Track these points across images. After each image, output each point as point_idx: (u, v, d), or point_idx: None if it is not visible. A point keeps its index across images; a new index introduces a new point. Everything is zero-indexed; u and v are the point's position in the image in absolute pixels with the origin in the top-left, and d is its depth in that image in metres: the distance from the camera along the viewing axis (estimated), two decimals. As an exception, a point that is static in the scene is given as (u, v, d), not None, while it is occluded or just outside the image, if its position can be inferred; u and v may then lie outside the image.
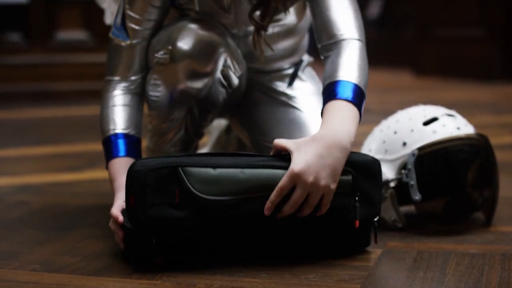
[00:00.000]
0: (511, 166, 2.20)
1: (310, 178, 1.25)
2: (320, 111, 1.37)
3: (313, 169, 1.25)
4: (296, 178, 1.25)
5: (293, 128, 1.66)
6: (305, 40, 1.74)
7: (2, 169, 2.44)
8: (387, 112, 1.74)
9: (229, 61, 1.55)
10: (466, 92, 4.93)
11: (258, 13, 1.47)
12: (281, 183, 1.26)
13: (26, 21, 4.67)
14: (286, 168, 1.27)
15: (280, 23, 1.59)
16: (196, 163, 1.27)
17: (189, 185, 1.26)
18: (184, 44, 1.47)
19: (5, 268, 1.34)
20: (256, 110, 1.71)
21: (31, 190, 2.07)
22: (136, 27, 1.51)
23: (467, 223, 1.58)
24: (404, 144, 1.54)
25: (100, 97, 1.55)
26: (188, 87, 1.51)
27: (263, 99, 1.71)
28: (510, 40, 5.49)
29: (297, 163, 1.25)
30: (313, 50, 1.59)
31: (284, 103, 1.70)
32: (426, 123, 1.56)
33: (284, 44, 1.65)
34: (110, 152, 1.47)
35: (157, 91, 1.51)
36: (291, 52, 1.69)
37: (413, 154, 1.51)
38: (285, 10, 1.51)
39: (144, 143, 1.60)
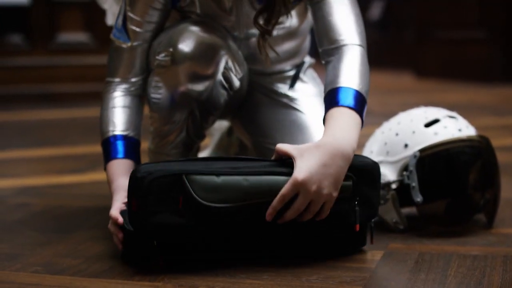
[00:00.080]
0: (512, 168, 2.20)
1: (313, 187, 1.25)
2: (322, 118, 1.37)
3: (317, 178, 1.25)
4: (299, 187, 1.25)
5: (295, 130, 1.66)
6: (307, 42, 1.74)
7: (3, 171, 2.44)
8: (389, 114, 1.74)
9: (230, 63, 1.55)
10: (467, 93, 4.93)
11: (262, 17, 1.47)
12: (284, 190, 1.26)
13: (27, 22, 4.67)
14: (288, 174, 1.27)
15: (282, 25, 1.59)
16: (200, 171, 1.26)
17: (193, 192, 1.25)
18: (185, 46, 1.47)
19: (6, 270, 1.34)
20: (258, 112, 1.71)
21: (33, 192, 2.07)
22: (137, 29, 1.51)
23: (468, 225, 1.58)
24: (406, 145, 1.54)
25: (101, 98, 1.55)
26: (189, 89, 1.51)
27: (265, 101, 1.71)
28: (511, 42, 5.49)
29: (301, 172, 1.25)
30: (314, 51, 1.59)
31: (285, 105, 1.70)
32: (428, 125, 1.56)
33: (286, 46, 1.65)
34: (108, 154, 1.47)
35: (158, 93, 1.51)
36: (293, 54, 1.69)
37: (414, 156, 1.51)
38: (287, 13, 1.52)
39: (145, 144, 1.60)
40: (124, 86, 1.53)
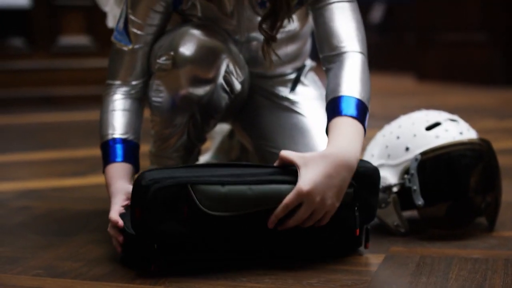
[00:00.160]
0: (513, 171, 2.20)
1: (317, 198, 1.26)
2: (325, 127, 1.37)
3: (321, 189, 1.26)
4: (304, 197, 1.26)
5: (296, 133, 1.66)
6: (308, 45, 1.74)
7: (4, 174, 2.45)
8: (390, 117, 1.74)
9: (231, 67, 1.55)
10: (468, 96, 4.93)
11: (267, 23, 1.47)
12: (288, 200, 1.26)
13: (28, 26, 4.67)
14: (291, 182, 1.27)
15: (284, 29, 1.59)
16: (206, 181, 1.26)
17: (198, 202, 1.25)
18: (186, 50, 1.47)
19: (8, 273, 1.34)
20: (259, 115, 1.71)
21: (34, 195, 2.07)
22: (138, 32, 1.51)
23: (469, 228, 1.58)
24: (407, 149, 1.54)
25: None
26: (190, 93, 1.51)
27: (266, 104, 1.71)
28: (512, 44, 5.49)
29: (305, 182, 1.25)
30: (315, 55, 1.59)
31: (286, 108, 1.70)
32: (429, 128, 1.56)
33: (287, 50, 1.65)
34: (107, 157, 1.47)
35: (159, 96, 1.52)
36: (294, 57, 1.70)
37: (416, 159, 1.51)
38: (289, 17, 1.52)
39: (145, 148, 1.60)
40: (124, 89, 1.53)
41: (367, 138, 1.65)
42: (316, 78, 1.78)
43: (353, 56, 1.42)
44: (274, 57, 1.52)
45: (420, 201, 1.49)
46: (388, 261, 1.38)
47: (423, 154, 1.51)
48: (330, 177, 1.26)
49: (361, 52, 1.43)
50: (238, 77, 1.57)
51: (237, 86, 1.58)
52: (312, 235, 1.34)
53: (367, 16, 7.88)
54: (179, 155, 1.60)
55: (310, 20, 1.62)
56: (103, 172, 1.47)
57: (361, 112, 1.35)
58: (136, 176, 1.31)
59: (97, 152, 1.51)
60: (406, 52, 7.31)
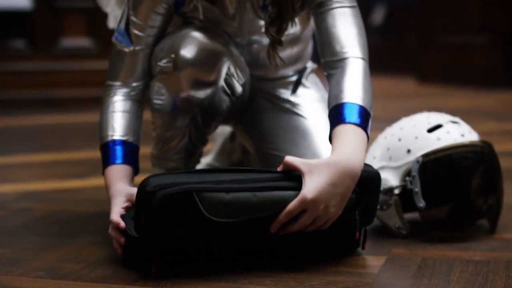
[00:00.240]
0: (515, 173, 2.20)
1: (321, 206, 1.27)
2: (329, 135, 1.37)
3: (325, 197, 1.26)
4: (308, 204, 1.26)
5: (297, 135, 1.66)
6: (309, 48, 1.74)
7: (5, 176, 2.45)
8: (391, 119, 1.74)
9: (232, 69, 1.55)
10: (469, 99, 4.93)
11: (273, 28, 1.47)
12: (292, 207, 1.27)
13: (30, 28, 4.68)
14: (295, 188, 1.28)
15: (286, 32, 1.59)
16: (210, 188, 1.26)
17: (203, 210, 1.25)
18: (187, 52, 1.47)
19: (9, 275, 1.34)
20: (260, 117, 1.71)
21: (35, 197, 2.07)
22: (140, 34, 1.51)
23: (471, 230, 1.58)
24: (409, 151, 1.54)
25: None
26: (191, 95, 1.51)
27: (267, 106, 1.71)
28: (514, 47, 5.49)
29: (310, 190, 1.26)
30: (317, 57, 1.59)
31: (288, 110, 1.70)
32: (430, 130, 1.56)
33: (289, 52, 1.65)
34: (107, 159, 1.47)
35: (161, 99, 1.52)
36: (296, 59, 1.70)
37: (417, 161, 1.51)
38: (293, 20, 1.51)
39: (146, 149, 1.60)
40: (124, 90, 1.53)
41: (369, 140, 1.65)
42: (317, 80, 1.78)
43: (355, 62, 1.42)
44: (278, 61, 1.52)
45: (421, 203, 1.49)
46: (389, 263, 1.38)
47: (424, 156, 1.51)
48: (334, 185, 1.27)
49: (362, 58, 1.43)
50: (239, 79, 1.57)
51: (238, 88, 1.58)
52: (312, 238, 1.34)
53: (368, 19, 7.88)
54: (180, 157, 1.60)
55: (311, 23, 1.62)
56: (103, 173, 1.47)
57: (364, 119, 1.35)
58: (140, 182, 1.31)
59: (98, 154, 1.51)
60: (407, 54, 7.31)
